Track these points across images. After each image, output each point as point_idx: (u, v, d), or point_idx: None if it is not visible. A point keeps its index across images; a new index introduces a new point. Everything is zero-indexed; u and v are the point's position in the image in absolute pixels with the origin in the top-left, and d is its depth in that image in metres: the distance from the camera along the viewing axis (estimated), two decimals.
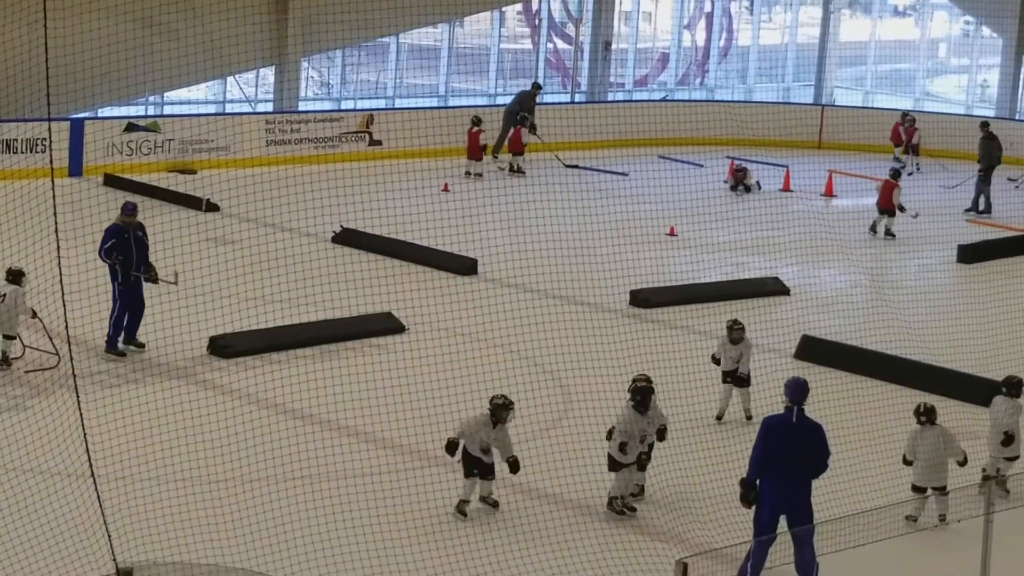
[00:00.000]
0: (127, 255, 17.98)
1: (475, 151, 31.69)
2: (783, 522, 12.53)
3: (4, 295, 17.30)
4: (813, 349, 19.42)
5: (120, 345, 18.02)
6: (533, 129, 32.81)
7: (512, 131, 32.62)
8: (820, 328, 20.36)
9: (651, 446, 14.24)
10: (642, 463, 14.13)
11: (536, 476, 14.59)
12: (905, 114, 35.40)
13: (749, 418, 16.69)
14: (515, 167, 32.20)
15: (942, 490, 14.27)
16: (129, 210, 18.37)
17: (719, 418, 16.75)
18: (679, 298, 21.83)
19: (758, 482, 12.51)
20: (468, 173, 31.38)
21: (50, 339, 17.28)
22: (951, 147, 35.47)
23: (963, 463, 14.45)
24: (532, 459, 14.76)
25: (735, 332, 16.85)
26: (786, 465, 12.40)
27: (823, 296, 23.17)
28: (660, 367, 17.03)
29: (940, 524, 14.19)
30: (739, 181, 31.62)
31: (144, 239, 18.28)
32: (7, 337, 17.34)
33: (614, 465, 14.01)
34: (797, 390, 12.55)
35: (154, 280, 18.21)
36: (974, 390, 17.64)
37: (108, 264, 18.07)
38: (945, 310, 21.35)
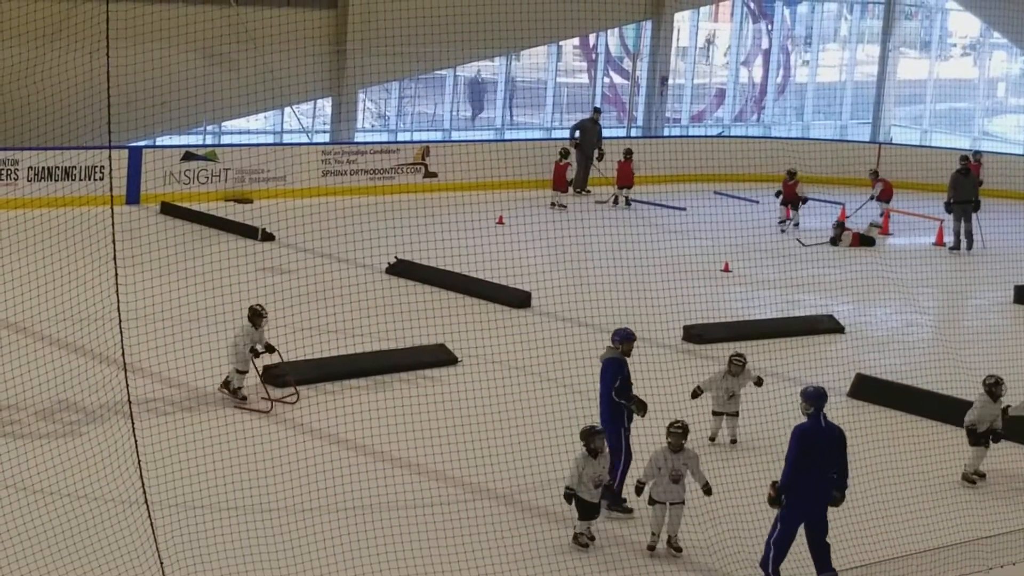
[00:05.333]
0: (630, 392, 15.01)
1: (561, 183, 32.16)
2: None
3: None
4: (867, 388, 19.33)
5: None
6: (600, 157, 33.09)
7: (618, 164, 32.93)
8: (874, 367, 20.25)
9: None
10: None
11: None
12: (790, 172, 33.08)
13: (734, 442, 17.18)
14: (623, 200, 32.64)
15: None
16: (625, 336, 15.24)
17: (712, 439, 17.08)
18: (732, 334, 21.74)
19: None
20: (554, 204, 31.80)
21: (291, 379, 17.50)
22: (1010, 187, 35.31)
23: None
24: None
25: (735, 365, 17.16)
26: (818, 469, 13.05)
27: (878, 335, 23.05)
28: (712, 403, 17.05)
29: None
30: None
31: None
32: (240, 372, 17.48)
33: (650, 501, 14.10)
34: (820, 396, 13.22)
35: (641, 413, 15.06)
36: None
37: (618, 404, 14.86)
38: (1002, 351, 21.20)
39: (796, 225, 31.24)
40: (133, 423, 12.49)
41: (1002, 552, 14.09)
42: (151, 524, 12.11)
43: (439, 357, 19.63)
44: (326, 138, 33.54)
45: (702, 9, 40.78)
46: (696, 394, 16.78)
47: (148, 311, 18.82)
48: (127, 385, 13.24)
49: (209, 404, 17.17)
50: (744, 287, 25.45)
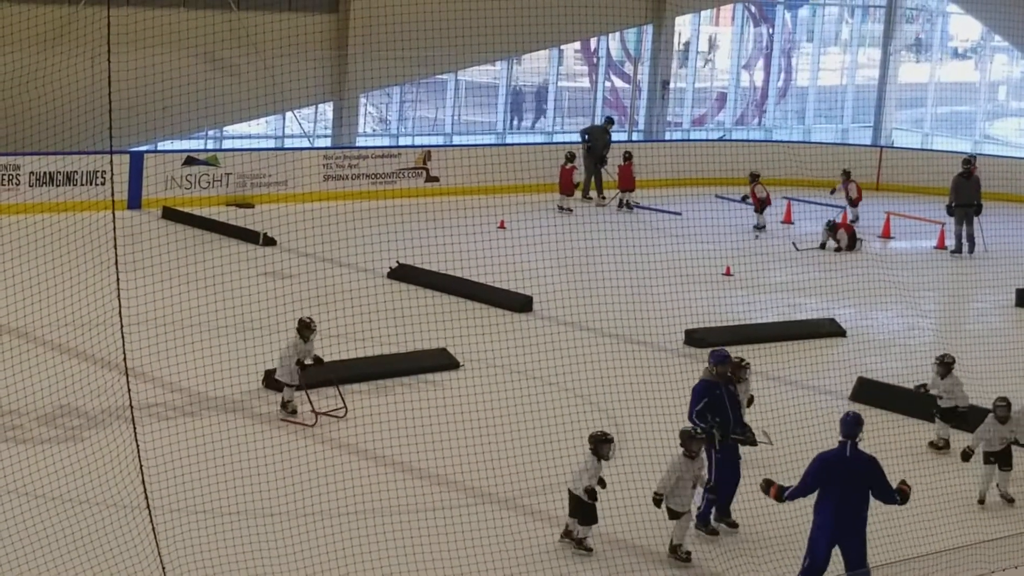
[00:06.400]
0: (722, 415, 14.73)
1: (567, 186, 32.20)
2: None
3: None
4: (869, 391, 19.32)
5: (712, 522, 14.84)
6: (603, 163, 33.15)
7: (619, 168, 32.93)
8: (876, 371, 20.24)
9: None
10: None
11: None
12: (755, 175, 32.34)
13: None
14: (625, 202, 32.72)
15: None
16: (719, 358, 15.06)
17: None
18: (734, 338, 21.70)
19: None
20: (560, 208, 31.83)
21: (339, 392, 17.45)
22: (1012, 190, 35.28)
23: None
24: None
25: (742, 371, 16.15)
26: (841, 498, 12.68)
27: (879, 338, 23.03)
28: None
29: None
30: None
31: (736, 393, 15.24)
32: (288, 386, 17.34)
33: (673, 514, 13.99)
34: (850, 424, 12.87)
35: (752, 442, 15.07)
36: None
37: (701, 428, 14.58)
38: (1003, 354, 21.18)
39: (760, 228, 31.10)
40: (135, 428, 12.49)
41: (1004, 555, 14.08)
42: (153, 529, 12.11)
43: (441, 361, 19.63)
44: (327, 142, 33.55)
45: (703, 13, 40.81)
46: None
47: (150, 316, 18.81)
48: (129, 390, 13.25)
49: (211, 409, 17.17)
50: (745, 291, 25.44)
